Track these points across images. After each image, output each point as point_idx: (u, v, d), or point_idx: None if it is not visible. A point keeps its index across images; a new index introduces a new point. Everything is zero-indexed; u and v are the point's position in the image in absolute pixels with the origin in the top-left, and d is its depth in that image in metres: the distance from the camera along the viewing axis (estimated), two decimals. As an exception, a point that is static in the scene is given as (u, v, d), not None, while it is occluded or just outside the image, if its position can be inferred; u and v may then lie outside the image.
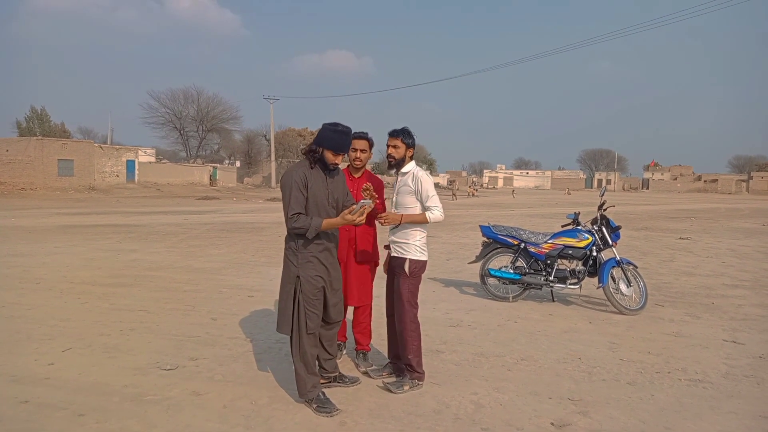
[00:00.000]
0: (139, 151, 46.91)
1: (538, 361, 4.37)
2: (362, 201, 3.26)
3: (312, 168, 3.42)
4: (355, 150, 4.01)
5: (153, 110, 59.80)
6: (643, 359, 4.47)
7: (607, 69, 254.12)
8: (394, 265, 3.87)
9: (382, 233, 3.95)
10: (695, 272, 8.79)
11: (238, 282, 7.31)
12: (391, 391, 3.66)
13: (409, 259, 3.77)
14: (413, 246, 3.79)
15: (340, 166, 3.68)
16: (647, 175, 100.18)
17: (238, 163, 67.63)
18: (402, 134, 3.81)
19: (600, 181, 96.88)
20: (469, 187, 51.85)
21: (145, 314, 5.56)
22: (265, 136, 64.30)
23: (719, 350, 4.77)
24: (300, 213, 3.30)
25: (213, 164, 57.08)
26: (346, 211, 3.27)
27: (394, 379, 3.87)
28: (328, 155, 3.39)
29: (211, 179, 50.62)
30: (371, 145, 4.12)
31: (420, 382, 3.75)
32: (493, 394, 3.68)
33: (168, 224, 15.81)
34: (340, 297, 3.60)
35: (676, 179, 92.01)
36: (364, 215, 3.28)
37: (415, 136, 3.89)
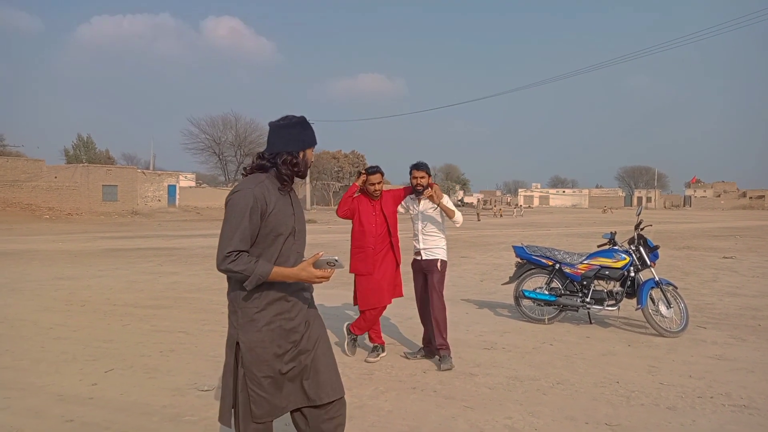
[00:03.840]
0: (180, 176, 48.32)
1: (574, 385, 4.29)
2: (330, 257, 2.25)
3: (281, 186, 2.35)
4: (373, 183, 4.83)
5: (193, 136, 61.74)
6: (684, 383, 4.34)
7: (645, 83, 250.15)
8: (426, 266, 4.93)
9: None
10: (740, 293, 8.49)
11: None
12: (441, 368, 4.61)
13: (440, 259, 4.93)
14: (441, 250, 4.97)
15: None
16: (689, 192, 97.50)
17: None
18: (425, 167, 4.87)
19: (639, 199, 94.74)
20: (495, 206, 50.72)
21: (184, 335, 5.71)
22: (300, 159, 65.23)
23: (766, 374, 4.59)
24: (242, 251, 2.20)
25: (250, 187, 58.07)
26: (311, 265, 2.25)
27: (428, 361, 4.91)
28: (309, 155, 2.43)
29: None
30: (383, 175, 4.93)
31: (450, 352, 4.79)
32: (528, 419, 3.63)
33: (207, 247, 16.18)
34: (326, 365, 2.39)
35: (719, 196, 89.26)
36: (325, 279, 2.29)
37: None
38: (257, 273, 2.18)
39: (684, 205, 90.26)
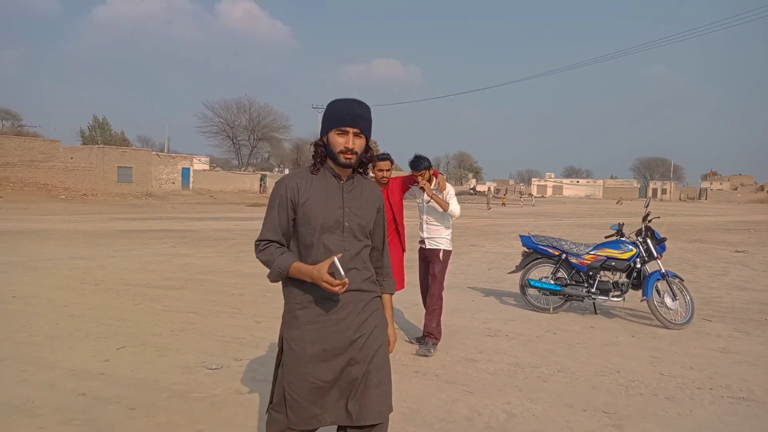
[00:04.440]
0: (194, 159, 48.63)
1: (574, 374, 4.35)
2: (337, 266, 1.95)
3: (314, 173, 2.18)
4: (381, 170, 4.71)
5: (207, 120, 62.23)
6: (685, 374, 4.38)
7: (661, 72, 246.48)
8: (429, 255, 4.98)
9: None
10: (749, 287, 8.47)
11: (281, 287, 7.52)
12: (426, 356, 4.60)
13: (443, 249, 4.94)
14: (444, 239, 4.97)
15: (375, 175, 3.90)
16: (705, 184, 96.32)
17: (287, 171, 69.05)
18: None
19: (654, 190, 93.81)
20: (503, 196, 49.48)
21: (194, 316, 5.84)
22: (314, 144, 65.47)
23: (768, 368, 4.62)
24: (272, 241, 2.15)
25: (263, 172, 58.52)
26: (325, 269, 1.97)
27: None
28: (334, 139, 2.11)
29: (261, 186, 51.86)
30: (392, 163, 4.85)
31: (438, 342, 4.81)
32: (527, 404, 3.70)
33: (219, 230, 16.36)
34: (378, 383, 2.13)
35: (736, 189, 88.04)
36: (337, 288, 1.98)
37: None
38: (276, 265, 2.10)
39: (700, 198, 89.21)
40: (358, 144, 2.12)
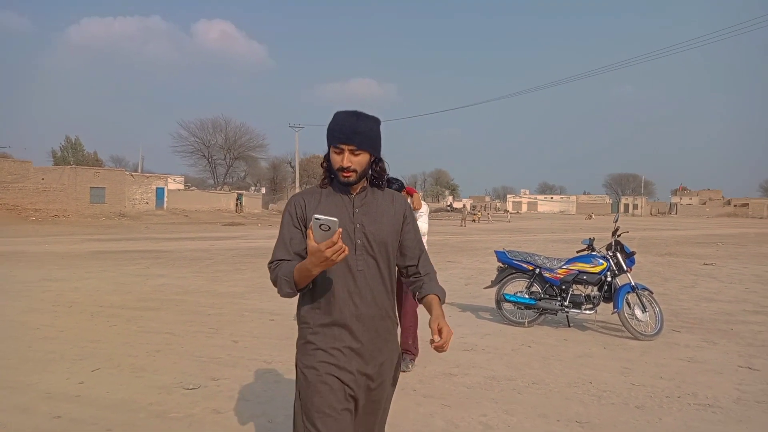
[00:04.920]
0: (169, 179, 48.12)
1: (549, 385, 4.45)
2: (324, 218, 1.73)
3: (323, 187, 2.08)
4: None
5: (183, 139, 61.60)
6: (654, 384, 4.52)
7: (629, 92, 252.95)
8: None
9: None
10: (716, 298, 8.72)
11: (260, 306, 7.52)
12: (404, 371, 4.57)
13: None
14: None
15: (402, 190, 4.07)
16: (675, 199, 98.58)
17: (263, 190, 68.78)
18: (401, 186, 4.83)
19: (626, 206, 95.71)
20: (474, 213, 49.17)
21: (171, 336, 5.80)
22: (290, 163, 65.62)
23: (733, 376, 4.78)
24: (283, 260, 2.00)
25: (239, 191, 58.18)
26: (316, 245, 1.76)
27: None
28: (332, 156, 2.01)
29: (237, 205, 51.49)
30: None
31: (415, 358, 4.92)
32: (502, 416, 3.78)
33: (195, 250, 16.22)
34: (380, 416, 2.13)
35: (705, 204, 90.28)
36: (341, 249, 1.76)
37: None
38: (281, 275, 1.93)
39: (670, 213, 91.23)
40: (357, 161, 1.98)
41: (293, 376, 4.55)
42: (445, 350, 1.93)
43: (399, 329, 4.32)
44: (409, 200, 5.01)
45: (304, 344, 2.02)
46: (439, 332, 1.92)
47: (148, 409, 3.81)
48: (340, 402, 1.93)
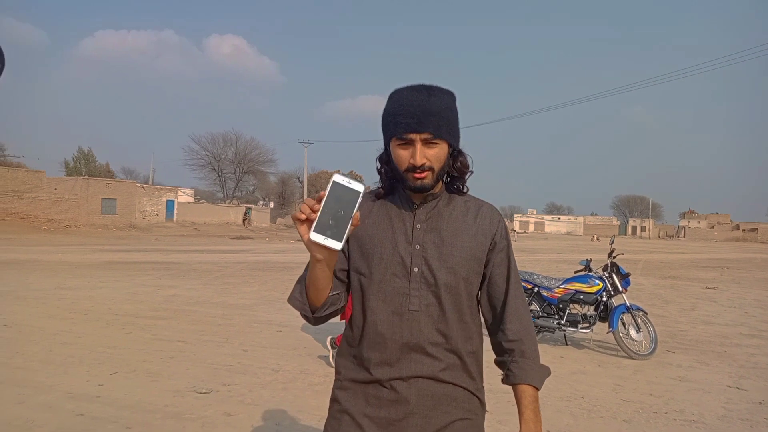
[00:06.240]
0: (179, 192, 48.79)
1: (542, 399, 4.60)
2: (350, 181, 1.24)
3: (378, 197, 1.53)
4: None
5: (193, 153, 62.31)
6: (644, 400, 4.73)
7: (639, 114, 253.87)
8: None
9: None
10: (714, 321, 8.90)
11: (268, 317, 7.79)
12: None
13: None
14: None
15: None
16: (683, 222, 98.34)
17: (271, 204, 69.34)
18: None
19: (633, 228, 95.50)
20: None
21: (183, 344, 6.07)
22: (298, 178, 66.12)
23: (720, 395, 4.98)
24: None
25: (248, 204, 58.75)
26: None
27: None
28: (396, 153, 1.43)
29: (245, 219, 51.97)
30: None
31: None
32: (496, 426, 4.01)
33: (204, 262, 16.54)
34: None
35: (713, 227, 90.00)
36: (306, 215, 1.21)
37: None
38: (294, 294, 1.45)
39: (678, 236, 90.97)
40: (433, 155, 1.41)
41: (300, 384, 4.84)
42: None
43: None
44: None
45: (331, 400, 1.52)
46: None
47: (164, 410, 4.08)
48: None
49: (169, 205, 45.05)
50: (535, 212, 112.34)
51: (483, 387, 1.54)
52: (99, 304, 8.41)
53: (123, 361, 5.35)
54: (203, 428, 3.78)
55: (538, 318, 6.64)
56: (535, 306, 6.76)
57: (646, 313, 6.53)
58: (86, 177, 40.63)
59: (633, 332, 6.28)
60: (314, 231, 1.18)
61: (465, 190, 1.55)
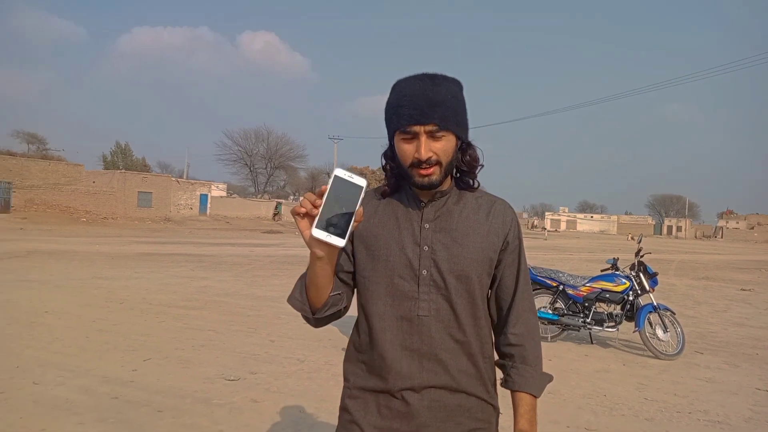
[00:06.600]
0: (212, 186, 49.72)
1: (563, 395, 4.69)
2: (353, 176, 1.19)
3: (383, 196, 1.45)
4: None
5: (226, 148, 63.52)
6: (668, 400, 4.70)
7: (676, 110, 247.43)
8: None
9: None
10: (747, 323, 8.71)
11: (295, 310, 7.94)
12: None
13: None
14: None
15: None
16: (721, 223, 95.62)
17: (301, 199, 69.98)
18: None
19: (669, 227, 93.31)
20: None
21: (213, 334, 6.27)
22: (328, 173, 66.54)
23: (749, 397, 4.91)
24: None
25: (278, 199, 59.49)
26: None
27: None
28: (400, 147, 1.35)
29: (275, 214, 52.64)
30: None
31: None
32: (515, 420, 4.05)
33: (235, 255, 16.88)
34: None
35: (753, 228, 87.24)
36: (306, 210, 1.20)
37: None
38: (293, 293, 1.44)
39: (715, 236, 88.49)
40: (440, 149, 1.32)
41: (324, 374, 4.97)
42: None
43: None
44: None
45: (341, 410, 1.45)
46: None
47: (194, 395, 4.24)
48: None
49: (203, 199, 45.97)
50: (567, 210, 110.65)
51: (496, 392, 1.48)
52: (134, 294, 8.71)
53: (156, 348, 5.55)
54: (230, 413, 3.92)
55: (562, 315, 6.62)
56: (560, 304, 6.74)
57: (674, 313, 6.45)
58: (123, 171, 41.76)
59: (660, 332, 6.22)
60: (316, 227, 1.14)
61: (476, 186, 1.46)
